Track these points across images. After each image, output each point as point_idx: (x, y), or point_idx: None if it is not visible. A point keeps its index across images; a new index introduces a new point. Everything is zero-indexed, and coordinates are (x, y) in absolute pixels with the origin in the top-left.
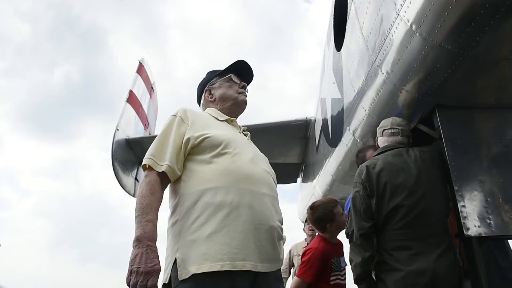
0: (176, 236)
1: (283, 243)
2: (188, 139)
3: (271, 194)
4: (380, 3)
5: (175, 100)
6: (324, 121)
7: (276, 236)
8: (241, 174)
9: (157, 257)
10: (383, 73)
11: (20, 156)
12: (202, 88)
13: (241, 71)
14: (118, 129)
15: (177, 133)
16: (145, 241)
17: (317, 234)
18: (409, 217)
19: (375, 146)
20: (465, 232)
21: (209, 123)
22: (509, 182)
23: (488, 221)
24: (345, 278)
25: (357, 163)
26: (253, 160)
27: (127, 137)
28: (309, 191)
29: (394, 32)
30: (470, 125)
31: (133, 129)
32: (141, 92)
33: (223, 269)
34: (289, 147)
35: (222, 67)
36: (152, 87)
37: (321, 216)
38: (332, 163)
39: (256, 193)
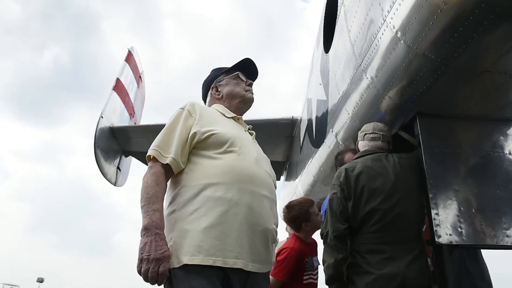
0: (172, 225)
1: (275, 246)
2: (195, 133)
3: (270, 196)
4: (368, 8)
5: (166, 92)
6: (309, 121)
7: (270, 238)
8: (244, 174)
9: (166, 244)
10: (367, 78)
11: (2, 138)
12: (208, 85)
13: (247, 69)
14: (102, 117)
15: (184, 126)
16: (153, 229)
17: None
18: (384, 222)
19: (354, 150)
20: (436, 240)
21: (217, 119)
22: (483, 193)
23: (459, 229)
24: (317, 278)
25: (336, 165)
26: (257, 161)
27: (111, 125)
28: (291, 190)
29: (380, 37)
30: (449, 135)
31: (118, 118)
32: (128, 80)
33: (215, 264)
34: (275, 145)
35: (216, 61)
36: (140, 77)
37: (296, 215)
38: (314, 164)
39: (257, 194)
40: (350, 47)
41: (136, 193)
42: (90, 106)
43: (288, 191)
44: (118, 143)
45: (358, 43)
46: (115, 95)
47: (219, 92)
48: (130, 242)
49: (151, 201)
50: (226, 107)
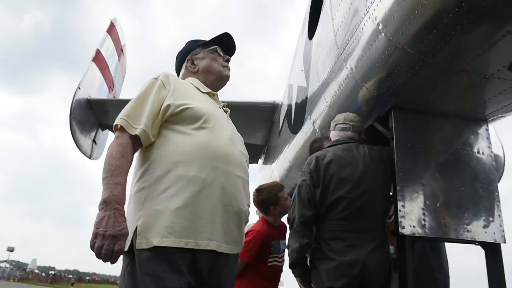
0: (140, 204)
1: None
2: (168, 105)
3: (244, 177)
4: None
5: (149, 67)
6: (289, 107)
7: (243, 219)
8: (218, 152)
9: (125, 221)
10: (347, 68)
11: None
12: (183, 57)
13: (225, 44)
14: (80, 88)
15: (157, 97)
16: (113, 203)
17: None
18: (349, 210)
19: (328, 139)
20: (400, 230)
21: (192, 93)
22: (449, 189)
23: (423, 222)
24: (283, 261)
25: (311, 152)
26: (231, 140)
27: (88, 97)
28: (267, 174)
29: (362, 28)
30: (422, 130)
31: (97, 90)
32: (109, 53)
33: (187, 247)
34: (255, 128)
35: (204, 38)
36: (122, 50)
37: (265, 199)
38: (291, 149)
39: (231, 174)
40: (332, 36)
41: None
42: (70, 75)
43: (265, 174)
44: (95, 116)
45: (340, 32)
46: (94, 66)
47: (195, 65)
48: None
49: (114, 173)
50: (201, 81)
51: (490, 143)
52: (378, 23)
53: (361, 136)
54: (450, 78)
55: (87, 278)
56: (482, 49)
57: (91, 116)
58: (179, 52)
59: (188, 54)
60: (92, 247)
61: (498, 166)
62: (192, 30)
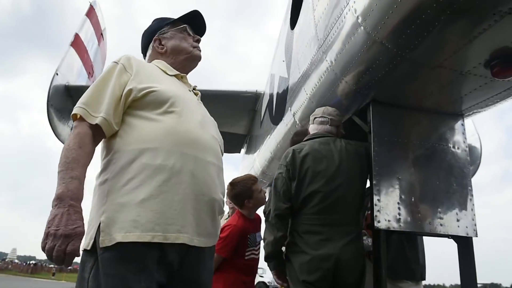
0: (104, 197)
1: (221, 218)
2: (130, 90)
3: (216, 163)
4: None
5: (131, 49)
6: (270, 97)
7: (217, 209)
8: (187, 138)
9: (81, 218)
10: (327, 60)
11: None
12: (150, 36)
13: (195, 23)
14: (57, 74)
15: (118, 82)
16: (67, 200)
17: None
18: (324, 204)
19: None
20: (375, 224)
21: (157, 76)
22: (424, 183)
23: (398, 216)
24: (259, 253)
25: (291, 145)
26: (202, 124)
27: (67, 84)
28: (249, 164)
29: (342, 21)
30: (399, 124)
31: (76, 76)
32: (88, 37)
33: (153, 241)
34: (237, 117)
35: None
36: (102, 34)
37: (239, 192)
38: (272, 140)
39: (201, 160)
40: (313, 27)
41: (96, 156)
42: (50, 59)
43: (247, 164)
44: (73, 103)
45: (321, 23)
46: (72, 51)
47: (163, 45)
48: (88, 207)
49: (69, 166)
50: (169, 63)
51: (465, 138)
52: (357, 16)
53: (339, 130)
54: (428, 73)
55: (69, 267)
56: (459, 46)
57: (69, 103)
58: (145, 31)
59: (155, 33)
60: (43, 248)
61: (475, 158)
62: (176, 12)
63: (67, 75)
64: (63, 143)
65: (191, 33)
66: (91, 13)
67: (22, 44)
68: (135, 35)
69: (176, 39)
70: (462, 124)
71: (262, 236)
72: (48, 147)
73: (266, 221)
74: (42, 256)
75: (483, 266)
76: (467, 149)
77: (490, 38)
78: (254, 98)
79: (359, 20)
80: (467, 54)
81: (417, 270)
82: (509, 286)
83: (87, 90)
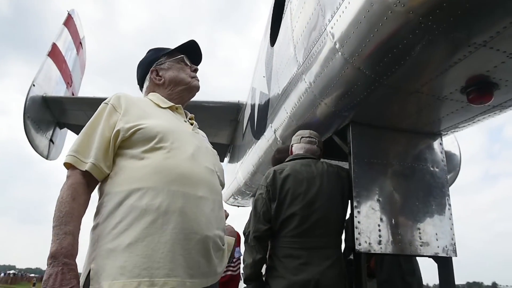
0: (95, 243)
1: (223, 253)
2: (118, 131)
3: (211, 197)
4: (311, 12)
5: (114, 54)
6: (252, 110)
7: (212, 247)
8: (175, 174)
9: (76, 277)
10: (305, 82)
11: None
12: (147, 68)
13: (191, 52)
14: (34, 85)
15: (107, 124)
16: (61, 258)
17: None
18: (303, 227)
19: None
20: (356, 247)
21: (147, 111)
22: (404, 205)
23: (379, 238)
24: (238, 269)
25: (272, 162)
26: (194, 156)
27: (44, 95)
28: (232, 174)
29: (320, 45)
30: (378, 145)
31: (53, 87)
32: (66, 46)
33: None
34: (220, 127)
35: (171, 26)
36: (80, 43)
37: None
38: (254, 154)
39: (191, 196)
40: (292, 47)
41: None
42: (31, 62)
43: (230, 173)
44: (51, 114)
45: (299, 45)
46: (50, 61)
47: (160, 77)
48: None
49: (63, 221)
50: (166, 94)
51: (444, 157)
52: (335, 42)
53: (321, 153)
54: (405, 98)
55: None
56: (436, 74)
57: (47, 114)
58: (141, 62)
59: (151, 64)
60: None
61: (454, 165)
62: (160, 15)
63: (44, 86)
64: (42, 156)
65: (188, 63)
66: (69, 22)
67: (1, 47)
68: (117, 39)
69: (174, 70)
70: (441, 143)
71: (241, 254)
72: (28, 154)
73: (245, 242)
74: (22, 265)
75: (465, 265)
76: (446, 167)
77: (466, 67)
78: (236, 108)
79: (337, 46)
80: (444, 81)
81: (413, 282)
82: (490, 284)
83: (78, 136)
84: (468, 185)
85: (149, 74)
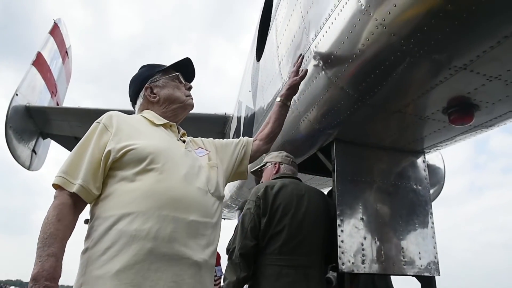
0: (84, 268)
1: (213, 273)
2: (109, 151)
3: (203, 220)
4: (295, 30)
5: (106, 60)
6: (238, 124)
7: (203, 271)
8: (165, 198)
9: None
10: None
11: None
12: (141, 84)
13: (185, 70)
14: (17, 94)
15: (97, 144)
16: (42, 281)
17: None
18: (291, 244)
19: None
20: (339, 267)
21: (140, 129)
22: (387, 223)
23: (362, 257)
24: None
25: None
26: (186, 178)
27: (27, 104)
28: None
29: (304, 63)
30: (362, 163)
31: (37, 96)
32: (52, 55)
33: None
34: None
35: (163, 33)
36: (66, 52)
37: None
38: None
39: (182, 221)
40: (277, 64)
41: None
42: (18, 67)
43: None
44: (35, 124)
45: (284, 62)
46: (34, 70)
47: (155, 94)
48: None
49: (46, 242)
50: (160, 112)
51: (427, 175)
52: (319, 61)
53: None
54: (388, 117)
55: None
56: (418, 95)
57: (30, 124)
58: (134, 79)
59: (145, 81)
60: None
61: (439, 179)
62: (152, 22)
63: (28, 95)
64: (23, 166)
65: (183, 80)
66: (55, 31)
67: None
68: (107, 46)
69: (169, 88)
70: (424, 161)
71: (223, 274)
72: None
73: (228, 259)
74: (3, 277)
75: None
76: (429, 185)
77: (447, 89)
78: (223, 121)
79: (320, 65)
80: (426, 102)
81: None
82: None
83: (68, 156)
84: (454, 197)
85: (143, 91)
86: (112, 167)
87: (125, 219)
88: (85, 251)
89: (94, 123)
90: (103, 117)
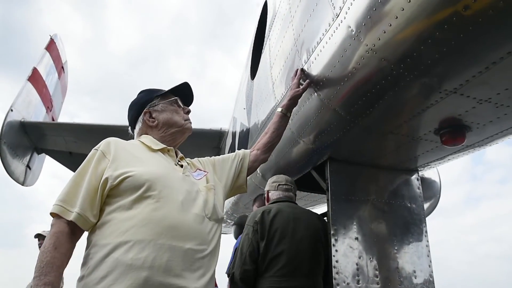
0: None
1: None
2: (106, 179)
3: (199, 248)
4: (288, 52)
5: (103, 73)
6: (233, 140)
7: None
8: (162, 226)
9: None
10: None
11: None
12: (140, 109)
13: (183, 94)
14: (12, 110)
15: (94, 172)
16: None
17: None
18: (291, 266)
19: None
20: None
21: (137, 156)
22: (382, 242)
23: (357, 277)
24: None
25: (253, 203)
26: (183, 205)
27: (22, 120)
28: None
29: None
30: (356, 181)
31: (33, 111)
32: (47, 71)
33: None
34: (202, 155)
35: (161, 45)
36: (62, 67)
37: None
38: None
39: (178, 249)
40: (270, 83)
41: (57, 181)
42: (15, 79)
43: None
44: (29, 140)
45: (277, 82)
46: (30, 86)
47: (154, 118)
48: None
49: (43, 271)
50: (159, 136)
51: (421, 193)
52: (311, 83)
53: (295, 198)
54: (381, 138)
55: None
56: (409, 117)
57: (25, 140)
58: (133, 103)
59: (144, 106)
60: None
61: (434, 192)
62: (150, 35)
63: (23, 110)
64: (17, 182)
65: (181, 104)
66: (51, 46)
67: None
68: (105, 58)
69: (168, 112)
70: (417, 179)
71: None
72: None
73: (231, 284)
74: None
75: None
76: (423, 203)
77: (438, 111)
78: (218, 136)
79: (312, 86)
80: (418, 124)
81: None
82: None
83: (66, 184)
84: (452, 208)
85: (142, 116)
86: (109, 194)
87: (121, 248)
88: (81, 278)
89: (92, 150)
90: (101, 144)
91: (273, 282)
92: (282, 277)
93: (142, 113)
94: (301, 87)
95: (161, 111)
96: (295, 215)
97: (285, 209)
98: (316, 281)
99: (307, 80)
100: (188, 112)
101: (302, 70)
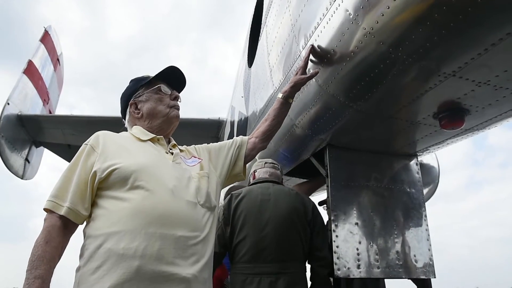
0: (76, 286)
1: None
2: (95, 172)
3: (191, 235)
4: (285, 38)
5: (103, 63)
6: (232, 129)
7: (193, 286)
8: (152, 215)
9: None
10: None
11: None
12: (127, 100)
13: (172, 78)
14: (8, 103)
15: (84, 166)
16: None
17: None
18: (255, 252)
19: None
20: (335, 273)
21: (126, 147)
22: (381, 227)
23: (357, 262)
24: None
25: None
26: (173, 192)
27: (19, 113)
28: None
29: (295, 70)
30: (355, 167)
31: (29, 104)
32: (43, 63)
33: None
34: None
35: (161, 34)
36: (58, 59)
37: None
38: None
39: (170, 237)
40: (268, 70)
41: (57, 174)
42: (15, 73)
43: None
44: (27, 133)
45: (275, 69)
46: (26, 79)
47: (139, 110)
48: None
49: (34, 265)
50: (146, 127)
51: (420, 178)
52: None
53: (282, 180)
54: (380, 123)
55: None
56: (408, 101)
57: (23, 133)
58: (122, 95)
59: (131, 97)
60: None
61: (433, 178)
62: (150, 23)
63: (19, 104)
64: (17, 175)
65: (167, 91)
66: (46, 38)
67: None
68: (105, 47)
69: (152, 102)
70: (416, 164)
71: None
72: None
73: None
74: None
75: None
76: (422, 188)
77: (437, 94)
78: (217, 125)
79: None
80: (417, 108)
81: None
82: None
83: (58, 179)
84: (452, 192)
85: (129, 108)
86: (100, 187)
87: (113, 238)
88: (78, 269)
89: (82, 145)
90: (91, 138)
91: (239, 269)
92: (247, 263)
93: (129, 105)
94: (307, 74)
95: (145, 101)
96: (263, 196)
97: (255, 191)
98: (290, 266)
99: (318, 70)
100: (176, 97)
101: (313, 47)
